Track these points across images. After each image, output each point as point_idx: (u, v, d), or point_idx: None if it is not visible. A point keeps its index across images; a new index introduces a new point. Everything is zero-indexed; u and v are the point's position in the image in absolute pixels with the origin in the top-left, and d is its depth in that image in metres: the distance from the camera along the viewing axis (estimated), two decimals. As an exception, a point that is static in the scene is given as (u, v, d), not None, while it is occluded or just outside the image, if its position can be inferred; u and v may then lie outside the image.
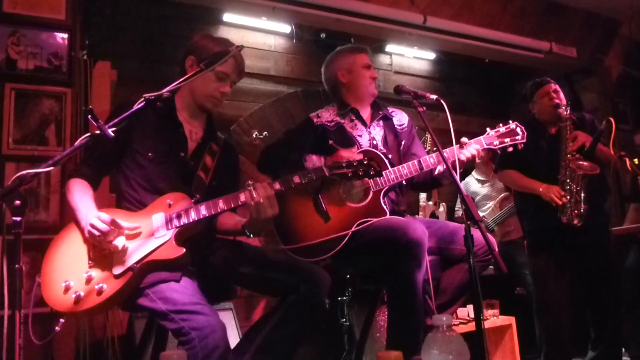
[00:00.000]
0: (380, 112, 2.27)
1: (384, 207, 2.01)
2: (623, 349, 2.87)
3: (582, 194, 2.48)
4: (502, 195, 3.78)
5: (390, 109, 2.32)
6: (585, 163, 2.46)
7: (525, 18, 4.16)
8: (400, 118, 2.31)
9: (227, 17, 3.49)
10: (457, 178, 1.69)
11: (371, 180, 2.01)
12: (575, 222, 2.47)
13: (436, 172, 2.07)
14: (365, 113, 2.26)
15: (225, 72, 1.76)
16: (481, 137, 2.04)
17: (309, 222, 2.00)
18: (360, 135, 2.18)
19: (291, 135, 2.24)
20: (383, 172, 2.00)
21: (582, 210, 2.47)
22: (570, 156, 2.52)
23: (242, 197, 1.59)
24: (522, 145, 2.04)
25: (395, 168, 2.04)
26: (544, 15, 4.24)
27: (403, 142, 2.23)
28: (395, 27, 3.61)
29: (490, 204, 3.81)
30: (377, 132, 2.22)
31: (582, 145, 2.53)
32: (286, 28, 3.72)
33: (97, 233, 1.48)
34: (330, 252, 1.95)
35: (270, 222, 1.62)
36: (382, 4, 3.52)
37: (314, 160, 2.06)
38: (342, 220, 1.99)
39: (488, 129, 2.06)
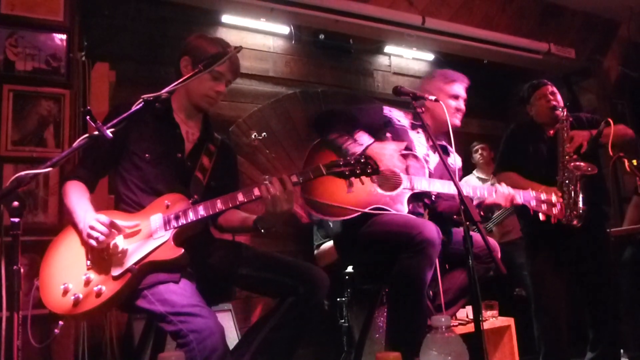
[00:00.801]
0: (444, 143, 2.31)
1: (405, 205, 2.04)
2: (622, 350, 2.87)
3: (581, 195, 2.48)
4: (502, 195, 3.76)
5: (451, 148, 2.30)
6: (582, 164, 2.47)
7: (524, 19, 4.17)
8: (455, 159, 2.29)
9: (226, 18, 3.50)
10: (456, 179, 1.70)
11: (406, 178, 2.05)
12: (575, 222, 2.47)
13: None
14: (434, 135, 2.27)
15: (220, 72, 1.77)
16: (521, 191, 2.12)
17: (331, 185, 2.01)
18: (418, 145, 2.22)
19: (356, 108, 2.28)
20: (419, 177, 2.07)
21: (580, 212, 2.47)
22: (568, 157, 2.53)
23: (257, 191, 1.59)
24: (555, 219, 2.15)
25: (430, 179, 2.09)
26: (542, 16, 4.25)
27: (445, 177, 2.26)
28: (394, 28, 3.62)
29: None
30: (434, 157, 2.26)
31: (579, 146, 2.53)
32: (285, 29, 3.72)
33: (96, 235, 1.48)
34: (338, 217, 1.99)
35: (284, 217, 1.63)
36: (380, 5, 3.52)
37: (364, 138, 2.08)
38: (362, 197, 2.02)
39: (530, 189, 2.16)
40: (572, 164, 2.49)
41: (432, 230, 1.83)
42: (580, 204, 2.47)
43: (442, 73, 2.37)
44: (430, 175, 2.17)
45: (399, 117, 2.26)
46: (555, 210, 2.11)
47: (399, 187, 2.06)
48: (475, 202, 2.11)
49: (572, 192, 2.49)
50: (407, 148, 2.17)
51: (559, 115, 2.62)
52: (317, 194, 2.01)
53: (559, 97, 2.75)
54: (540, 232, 2.71)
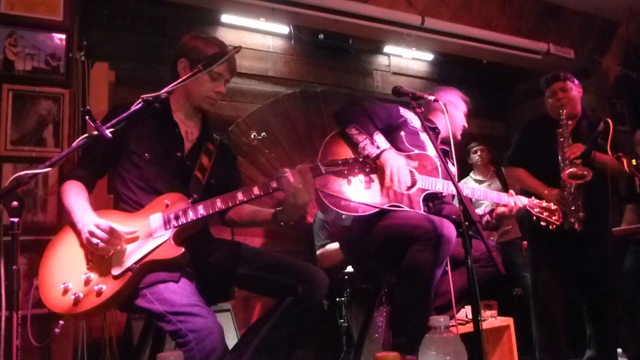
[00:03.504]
0: (447, 148, 2.37)
1: (421, 204, 2.08)
2: (620, 350, 2.87)
3: (579, 202, 2.49)
4: (500, 195, 3.78)
5: (450, 153, 2.38)
6: (577, 171, 2.45)
7: (523, 19, 4.17)
8: (454, 165, 2.36)
9: (225, 18, 3.50)
10: (455, 178, 1.70)
11: (421, 178, 2.11)
12: (576, 226, 2.49)
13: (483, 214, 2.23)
14: (439, 138, 2.39)
15: (219, 72, 1.77)
16: (527, 199, 2.26)
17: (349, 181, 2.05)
18: (429, 147, 2.27)
19: (377, 105, 2.32)
20: (434, 179, 2.13)
21: (580, 217, 2.48)
22: (566, 163, 2.52)
23: (256, 190, 1.59)
24: (555, 226, 2.27)
25: (445, 181, 2.13)
26: (541, 16, 4.25)
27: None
28: (393, 28, 3.62)
29: (487, 203, 3.81)
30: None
31: (581, 153, 2.51)
32: (284, 29, 3.72)
33: (95, 241, 1.48)
34: (355, 212, 2.01)
35: (305, 209, 1.64)
36: (380, 5, 3.52)
37: (381, 142, 2.11)
38: (379, 194, 2.06)
39: (533, 197, 2.31)
40: (564, 174, 2.49)
41: (450, 228, 1.88)
42: (579, 211, 2.49)
43: (458, 92, 2.56)
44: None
45: (412, 118, 2.31)
46: (554, 218, 2.26)
47: (415, 187, 2.09)
48: (487, 210, 2.27)
49: (571, 198, 2.49)
50: (420, 145, 2.24)
51: (561, 114, 2.58)
52: (334, 189, 2.03)
53: (572, 93, 2.70)
54: (543, 231, 2.71)
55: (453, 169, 2.35)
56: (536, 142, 2.72)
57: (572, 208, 2.49)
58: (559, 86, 2.72)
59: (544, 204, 2.27)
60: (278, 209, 1.69)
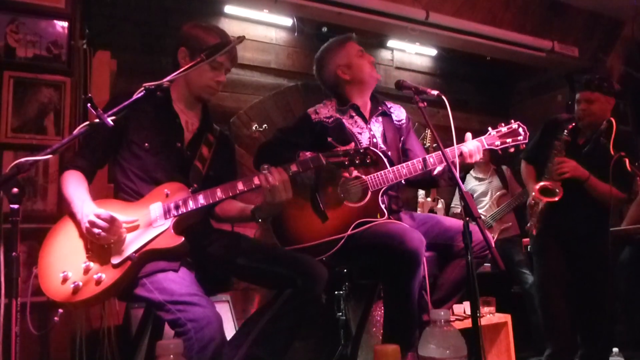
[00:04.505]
0: (380, 108, 2.23)
1: (382, 207, 1.99)
2: (617, 349, 2.88)
3: (536, 217, 2.64)
4: (499, 193, 3.81)
5: (388, 104, 2.28)
6: (548, 185, 2.55)
7: (528, 16, 4.15)
8: (399, 114, 2.27)
9: (229, 9, 3.48)
10: (457, 175, 1.69)
11: (369, 179, 2.00)
12: (533, 232, 2.68)
13: (435, 172, 2.06)
14: (366, 108, 2.21)
15: (220, 61, 1.75)
16: (482, 137, 2.03)
17: (306, 223, 1.98)
18: (360, 133, 2.15)
19: (288, 133, 2.18)
20: (382, 172, 1.99)
21: (534, 227, 2.67)
22: (548, 177, 2.58)
23: (257, 180, 1.59)
24: (524, 145, 2.04)
25: (395, 168, 2.01)
26: (546, 13, 4.23)
27: (402, 138, 2.22)
28: (397, 22, 3.60)
29: (487, 200, 3.83)
30: (377, 128, 2.19)
31: (564, 172, 2.54)
32: (288, 21, 3.71)
33: (96, 231, 1.47)
34: (326, 253, 1.94)
35: (282, 207, 1.65)
36: (384, -1, 3.50)
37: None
38: (340, 220, 1.97)
39: (490, 129, 2.04)
40: (536, 185, 2.56)
41: (413, 239, 1.79)
42: (536, 223, 2.64)
43: (331, 45, 2.24)
44: (388, 150, 2.12)
45: (327, 113, 2.17)
46: (520, 138, 2.01)
47: (368, 192, 2.00)
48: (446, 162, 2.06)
49: (533, 211, 2.63)
50: (351, 141, 2.05)
51: (566, 128, 2.60)
52: (295, 240, 1.95)
53: (596, 105, 2.57)
54: (545, 220, 2.73)
55: (403, 115, 2.21)
56: (548, 142, 2.69)
57: (529, 224, 2.67)
58: (585, 96, 2.60)
59: (504, 128, 2.01)
60: (256, 205, 1.70)
